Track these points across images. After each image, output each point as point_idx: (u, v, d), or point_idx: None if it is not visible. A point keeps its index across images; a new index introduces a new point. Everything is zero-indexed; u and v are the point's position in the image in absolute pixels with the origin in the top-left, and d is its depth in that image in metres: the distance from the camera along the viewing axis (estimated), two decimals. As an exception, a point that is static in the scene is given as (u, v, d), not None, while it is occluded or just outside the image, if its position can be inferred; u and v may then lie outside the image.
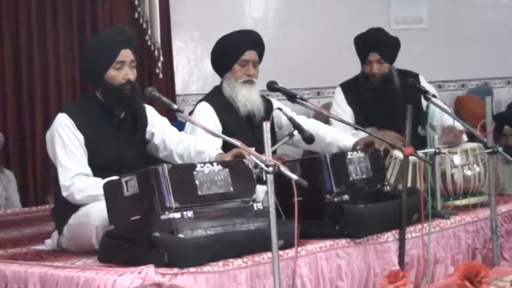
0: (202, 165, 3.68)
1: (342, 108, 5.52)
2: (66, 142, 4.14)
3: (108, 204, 3.77)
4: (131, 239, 3.58)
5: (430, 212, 4.36)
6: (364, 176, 4.31)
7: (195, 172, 3.63)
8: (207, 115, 4.86)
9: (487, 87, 8.84)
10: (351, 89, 5.56)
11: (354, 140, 4.83)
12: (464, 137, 5.13)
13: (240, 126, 4.86)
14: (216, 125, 4.83)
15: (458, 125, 4.98)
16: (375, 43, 5.48)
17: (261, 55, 5.00)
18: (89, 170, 4.14)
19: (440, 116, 5.21)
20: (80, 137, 4.16)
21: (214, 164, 3.73)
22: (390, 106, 5.33)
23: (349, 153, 4.31)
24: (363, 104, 5.49)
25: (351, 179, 4.23)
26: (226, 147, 4.37)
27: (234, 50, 4.90)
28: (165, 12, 7.91)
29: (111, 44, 4.23)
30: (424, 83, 5.46)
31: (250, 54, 4.92)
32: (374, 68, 5.44)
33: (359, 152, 4.39)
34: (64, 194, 4.10)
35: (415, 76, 5.50)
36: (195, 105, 5.01)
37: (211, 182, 3.66)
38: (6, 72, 7.23)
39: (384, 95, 5.41)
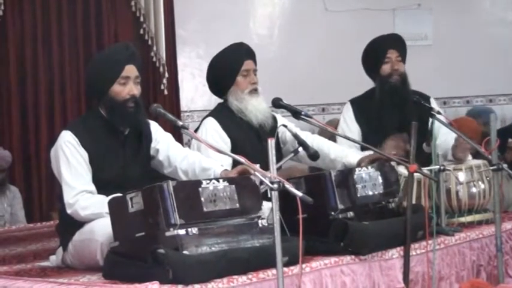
0: (208, 181, 3.68)
1: (348, 125, 5.45)
2: (70, 159, 4.14)
3: (113, 220, 3.77)
4: (136, 256, 3.58)
5: (435, 229, 4.36)
6: (375, 192, 4.30)
7: (200, 189, 3.62)
8: (214, 130, 4.85)
9: (488, 108, 8.76)
10: (360, 105, 5.51)
11: (358, 157, 4.82)
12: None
13: (248, 140, 4.85)
14: (224, 140, 4.83)
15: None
16: (394, 41, 5.51)
17: (256, 64, 5.02)
18: (93, 187, 4.14)
19: (443, 134, 5.18)
20: (84, 154, 4.16)
21: (220, 180, 3.73)
22: (406, 112, 5.28)
23: (357, 170, 4.31)
24: (373, 119, 5.42)
25: (358, 195, 4.22)
26: (234, 162, 4.37)
27: (234, 63, 4.92)
28: (170, 28, 7.93)
29: (115, 60, 4.24)
30: (434, 106, 5.40)
31: (249, 64, 4.95)
32: (395, 65, 5.42)
33: (369, 167, 4.39)
34: (68, 211, 4.10)
35: (427, 98, 5.45)
36: (201, 122, 5.01)
37: (216, 198, 3.65)
38: (12, 88, 7.26)
39: (402, 96, 5.36)
